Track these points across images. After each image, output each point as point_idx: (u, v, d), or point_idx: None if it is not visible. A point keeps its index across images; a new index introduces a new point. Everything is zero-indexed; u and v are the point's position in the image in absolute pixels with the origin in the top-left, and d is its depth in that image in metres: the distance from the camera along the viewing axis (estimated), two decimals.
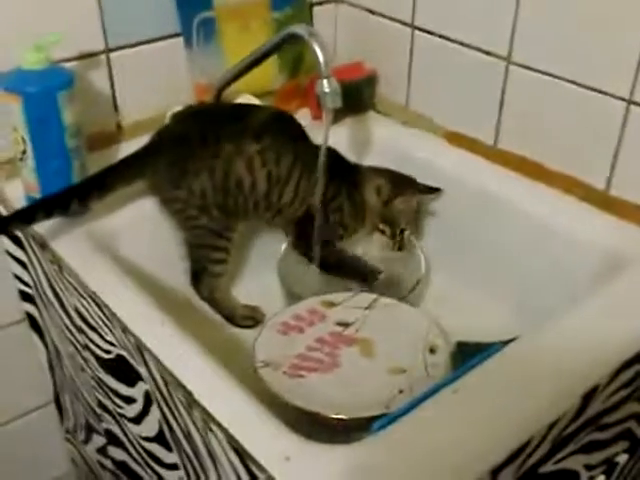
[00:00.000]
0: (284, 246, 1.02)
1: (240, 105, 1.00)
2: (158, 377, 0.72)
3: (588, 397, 0.68)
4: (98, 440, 1.02)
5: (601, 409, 0.73)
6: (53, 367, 1.08)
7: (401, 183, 0.98)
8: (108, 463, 1.02)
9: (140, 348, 0.73)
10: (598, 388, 0.69)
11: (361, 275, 0.99)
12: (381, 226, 0.98)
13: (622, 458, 0.83)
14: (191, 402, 0.67)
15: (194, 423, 0.69)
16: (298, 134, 0.94)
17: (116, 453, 0.97)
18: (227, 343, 0.95)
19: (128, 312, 0.76)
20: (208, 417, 0.65)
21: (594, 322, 0.75)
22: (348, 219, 0.98)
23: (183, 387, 0.67)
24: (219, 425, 0.64)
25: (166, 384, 0.71)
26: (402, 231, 0.99)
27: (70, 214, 0.86)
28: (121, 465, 0.97)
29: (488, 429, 0.63)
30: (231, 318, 0.97)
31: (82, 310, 0.84)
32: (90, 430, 1.04)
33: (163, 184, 0.90)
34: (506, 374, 0.69)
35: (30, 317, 1.05)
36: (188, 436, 0.72)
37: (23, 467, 1.17)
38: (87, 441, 1.08)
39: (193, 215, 0.90)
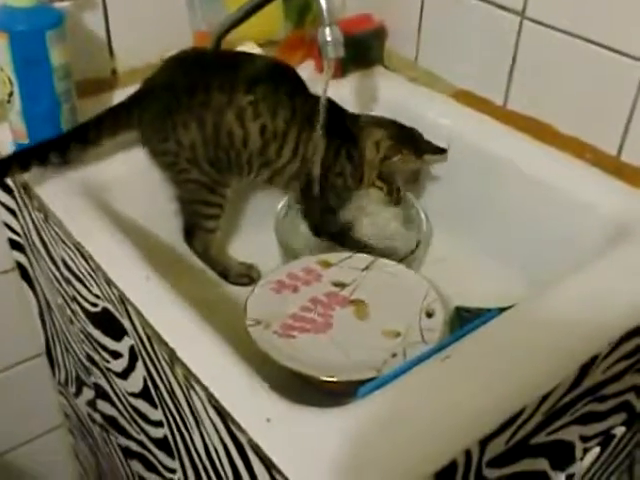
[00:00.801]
0: (282, 203, 1.00)
1: (235, 53, 0.95)
2: (141, 332, 0.70)
3: (586, 367, 0.65)
4: (88, 393, 1.01)
5: (600, 380, 0.70)
6: (44, 318, 1.07)
7: (403, 139, 0.93)
8: (98, 417, 1.01)
9: (124, 301, 0.71)
10: (598, 358, 0.66)
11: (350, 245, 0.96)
12: (378, 183, 0.94)
13: (619, 430, 0.81)
14: (173, 359, 0.64)
15: (177, 380, 0.66)
16: (297, 87, 0.89)
17: (105, 407, 0.95)
18: (221, 301, 0.93)
19: (112, 264, 0.74)
20: (190, 374, 0.63)
21: (597, 289, 0.72)
22: (350, 181, 0.94)
23: (165, 343, 0.65)
24: (200, 383, 0.62)
25: (149, 339, 0.69)
26: (399, 189, 0.95)
27: (50, 166, 0.82)
28: (110, 420, 0.96)
29: (478, 398, 0.60)
30: (226, 275, 0.95)
31: (68, 261, 0.82)
32: (80, 383, 1.03)
33: (151, 136, 0.86)
34: (500, 341, 0.66)
35: (20, 266, 1.03)
36: (172, 393, 0.70)
37: (16, 418, 1.17)
38: (78, 394, 1.07)
39: (184, 169, 0.87)
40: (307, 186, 0.92)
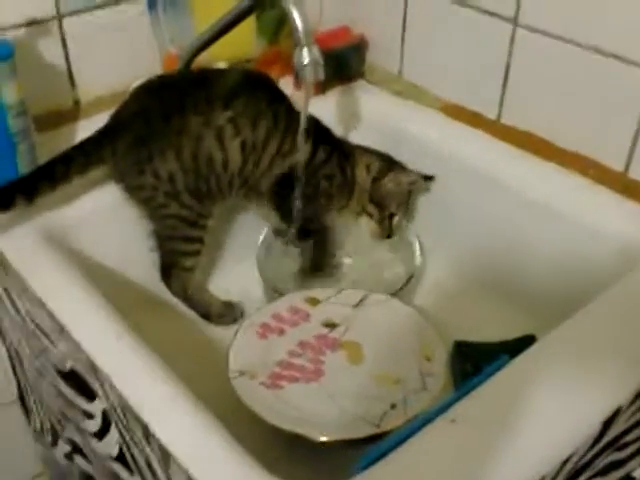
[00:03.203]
0: (263, 235, 0.93)
1: (206, 70, 0.88)
2: (113, 399, 0.63)
3: (609, 422, 0.58)
4: (64, 447, 0.94)
5: (621, 430, 0.63)
6: (15, 366, 0.99)
7: (391, 162, 0.90)
8: (76, 471, 0.94)
9: (92, 366, 0.63)
10: (620, 410, 0.59)
11: (317, 265, 0.92)
12: (369, 208, 0.89)
13: (639, 473, 0.74)
14: (148, 435, 0.57)
15: (154, 454, 0.59)
16: (275, 95, 0.84)
17: (82, 463, 0.88)
18: (202, 344, 0.87)
19: (79, 324, 0.67)
20: (166, 453, 0.55)
21: (612, 329, 0.65)
22: (336, 190, 0.89)
23: (138, 418, 0.58)
24: (179, 465, 0.54)
25: (122, 408, 0.62)
26: (391, 215, 0.90)
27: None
28: (88, 477, 0.88)
29: (490, 468, 0.53)
30: (207, 315, 0.89)
31: (33, 314, 0.74)
32: (56, 435, 0.96)
33: (125, 170, 0.80)
34: (512, 397, 0.59)
35: None
36: (149, 465, 0.63)
37: None
38: (54, 445, 1.00)
39: (162, 203, 0.81)
40: (282, 182, 0.85)
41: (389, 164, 0.90)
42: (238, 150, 0.80)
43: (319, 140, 0.85)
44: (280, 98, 0.84)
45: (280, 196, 0.86)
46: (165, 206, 0.81)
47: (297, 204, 0.85)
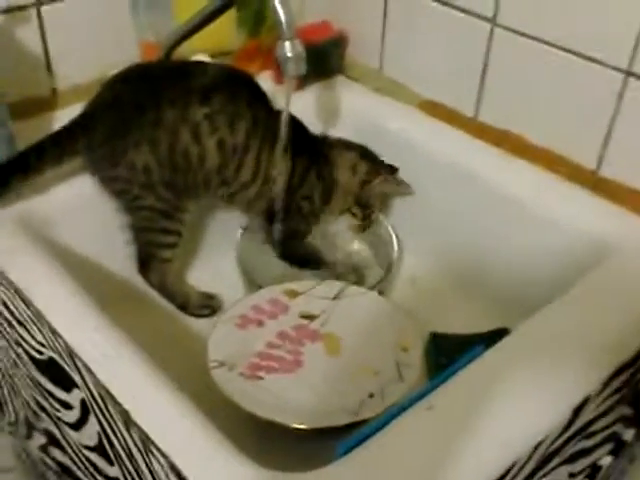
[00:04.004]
0: (242, 227, 0.94)
1: (185, 63, 0.88)
2: (93, 389, 0.63)
3: (578, 410, 0.61)
4: (39, 438, 0.94)
5: (590, 418, 0.66)
6: None
7: (376, 161, 0.90)
8: (51, 463, 0.93)
9: (71, 354, 0.64)
10: (589, 399, 0.62)
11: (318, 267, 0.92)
12: (354, 209, 0.90)
13: (606, 461, 0.77)
14: (128, 422, 0.58)
15: (134, 442, 0.60)
16: (256, 96, 0.83)
17: (58, 455, 0.88)
18: (181, 335, 0.88)
19: (58, 312, 0.67)
20: (147, 439, 0.56)
21: (583, 321, 0.68)
22: (319, 205, 0.89)
23: (119, 404, 0.58)
24: (160, 451, 0.55)
25: (101, 397, 0.62)
26: (372, 213, 0.91)
27: None
28: (64, 468, 0.88)
29: (466, 453, 0.55)
30: (185, 307, 0.89)
31: (9, 303, 0.74)
32: (30, 427, 0.95)
33: (100, 162, 0.80)
34: (485, 384, 0.61)
35: None
36: (129, 455, 0.63)
37: None
38: (29, 437, 0.99)
39: (138, 195, 0.80)
40: (271, 208, 0.87)
41: (374, 164, 0.89)
42: (215, 148, 0.79)
43: (298, 147, 0.84)
44: (261, 99, 0.83)
45: (269, 218, 0.88)
46: (140, 198, 0.81)
47: (277, 226, 0.87)
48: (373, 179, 0.88)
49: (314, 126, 0.92)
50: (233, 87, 0.81)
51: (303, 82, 1.00)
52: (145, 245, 0.85)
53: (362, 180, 0.88)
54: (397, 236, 0.93)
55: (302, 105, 0.91)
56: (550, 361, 0.63)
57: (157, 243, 0.84)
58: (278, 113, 0.80)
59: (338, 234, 0.95)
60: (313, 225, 0.90)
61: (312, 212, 0.89)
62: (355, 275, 0.93)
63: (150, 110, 0.77)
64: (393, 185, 0.91)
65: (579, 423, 0.63)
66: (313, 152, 0.87)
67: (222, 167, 0.81)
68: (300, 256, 0.91)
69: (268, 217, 0.88)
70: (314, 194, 0.87)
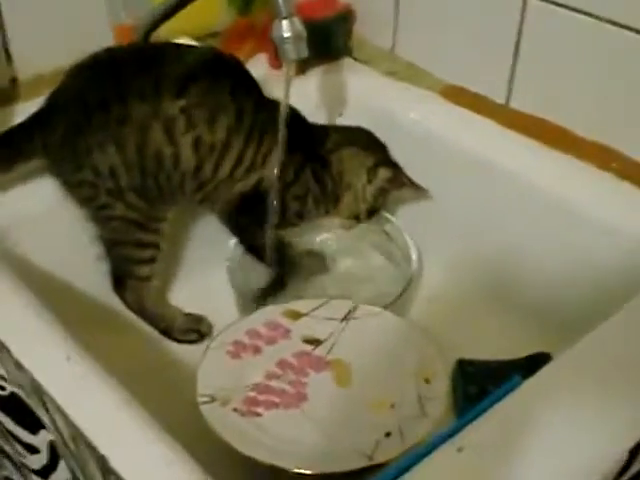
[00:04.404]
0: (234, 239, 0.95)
1: (160, 47, 0.87)
2: (63, 429, 0.64)
3: (635, 451, 0.60)
4: None
5: None
6: None
7: (389, 158, 0.92)
8: None
9: (38, 390, 0.64)
10: None
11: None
12: (363, 215, 0.92)
13: None
14: (105, 470, 0.58)
15: None
16: (243, 84, 0.83)
17: None
18: (165, 365, 0.89)
19: (20, 340, 0.67)
20: None
21: (637, 345, 0.67)
22: (311, 208, 0.90)
23: (93, 448, 0.59)
24: None
25: (74, 439, 0.63)
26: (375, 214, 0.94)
27: None
28: None
29: None
30: (168, 331, 0.91)
31: None
32: None
33: (62, 165, 0.81)
34: (525, 422, 0.61)
35: None
36: None
37: None
38: None
39: (105, 203, 0.82)
40: (242, 205, 0.87)
41: (395, 169, 0.91)
42: (190, 147, 0.80)
43: (294, 141, 0.84)
44: (251, 89, 0.84)
45: (237, 222, 0.89)
46: (109, 206, 0.82)
47: (265, 230, 0.88)
48: (395, 188, 0.91)
49: (316, 117, 0.93)
50: (215, 75, 0.81)
51: (304, 66, 1.01)
52: (119, 261, 0.86)
53: (382, 188, 0.90)
54: (415, 244, 0.94)
55: (301, 92, 0.91)
56: (601, 394, 0.62)
57: (132, 258, 0.85)
58: (271, 103, 0.81)
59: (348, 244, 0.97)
60: (292, 227, 0.92)
61: (298, 215, 0.90)
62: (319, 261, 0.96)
63: (116, 104, 0.78)
64: (411, 191, 0.92)
65: (637, 466, 0.63)
66: (312, 149, 0.89)
67: (198, 169, 0.82)
68: (259, 246, 0.91)
69: (242, 216, 0.88)
70: (307, 197, 0.89)
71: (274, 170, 0.83)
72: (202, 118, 0.79)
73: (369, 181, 0.90)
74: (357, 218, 0.92)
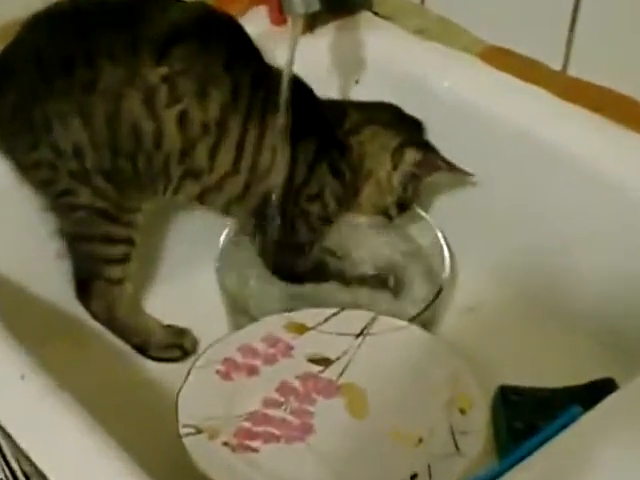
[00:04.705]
0: (226, 233, 0.96)
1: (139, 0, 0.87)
2: (15, 465, 0.66)
3: None
4: None
5: None
6: None
7: (421, 139, 0.93)
8: None
9: None
10: None
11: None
12: (392, 210, 0.93)
13: None
14: None
15: None
16: (240, 49, 0.85)
17: None
18: (139, 387, 0.91)
19: None
20: None
21: None
22: (334, 207, 0.91)
23: None
24: None
25: (26, 477, 0.64)
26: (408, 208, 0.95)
27: None
28: None
29: None
30: (144, 347, 0.92)
31: None
32: None
33: (13, 141, 0.82)
34: (586, 463, 0.61)
35: None
36: None
37: None
38: None
39: (67, 189, 0.83)
40: (260, 209, 0.89)
41: (426, 150, 0.91)
42: (175, 124, 0.81)
43: (299, 129, 0.84)
44: (248, 54, 0.85)
45: (259, 223, 0.91)
46: (72, 192, 0.83)
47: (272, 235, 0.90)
48: (426, 174, 0.91)
49: (327, 85, 0.94)
50: (205, 36, 0.82)
51: (312, 22, 1.02)
52: (83, 259, 0.87)
53: (412, 173, 0.90)
54: (449, 246, 0.95)
55: (310, 55, 0.93)
56: None
57: (100, 256, 0.87)
58: (275, 72, 0.82)
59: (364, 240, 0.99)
60: (321, 234, 0.93)
61: (322, 217, 0.91)
62: (383, 284, 0.97)
63: (82, 66, 0.79)
64: (447, 177, 0.93)
65: None
66: (327, 133, 0.89)
67: (187, 151, 0.83)
68: (299, 273, 0.94)
69: (257, 222, 0.91)
70: (325, 194, 0.90)
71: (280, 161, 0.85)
72: (189, 89, 0.80)
73: (394, 167, 0.90)
74: (387, 215, 0.93)
